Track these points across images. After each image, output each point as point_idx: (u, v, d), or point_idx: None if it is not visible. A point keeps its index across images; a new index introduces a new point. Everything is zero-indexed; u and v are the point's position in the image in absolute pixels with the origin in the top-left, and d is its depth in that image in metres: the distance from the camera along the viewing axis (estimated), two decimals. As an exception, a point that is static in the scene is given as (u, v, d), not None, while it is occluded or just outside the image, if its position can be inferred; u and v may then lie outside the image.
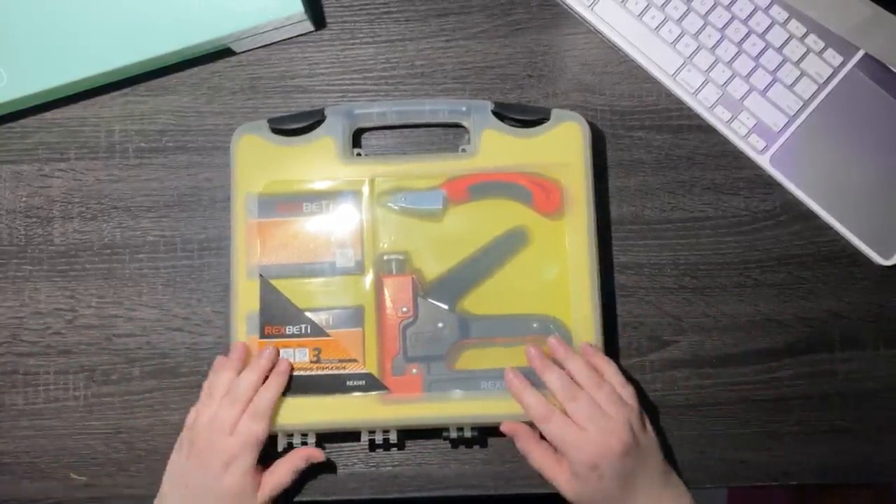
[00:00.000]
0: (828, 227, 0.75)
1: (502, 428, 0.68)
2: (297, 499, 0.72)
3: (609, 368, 0.67)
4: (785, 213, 0.75)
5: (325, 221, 0.72)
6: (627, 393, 0.67)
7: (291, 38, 0.78)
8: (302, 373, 0.69)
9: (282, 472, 0.68)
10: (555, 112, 0.73)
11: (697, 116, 0.76)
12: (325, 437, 0.71)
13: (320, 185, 0.72)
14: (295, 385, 0.69)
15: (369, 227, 0.71)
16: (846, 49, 0.75)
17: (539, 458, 0.67)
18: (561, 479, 0.66)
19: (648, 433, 0.67)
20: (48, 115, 0.77)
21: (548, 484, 0.71)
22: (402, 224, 0.71)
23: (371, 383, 0.69)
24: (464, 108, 0.74)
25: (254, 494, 0.66)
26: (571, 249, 0.70)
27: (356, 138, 0.75)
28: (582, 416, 0.65)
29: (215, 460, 0.66)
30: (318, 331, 0.70)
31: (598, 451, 0.64)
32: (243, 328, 0.70)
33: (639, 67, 0.77)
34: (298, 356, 0.70)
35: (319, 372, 0.69)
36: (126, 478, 0.73)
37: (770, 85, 0.75)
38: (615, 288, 0.74)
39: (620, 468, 0.64)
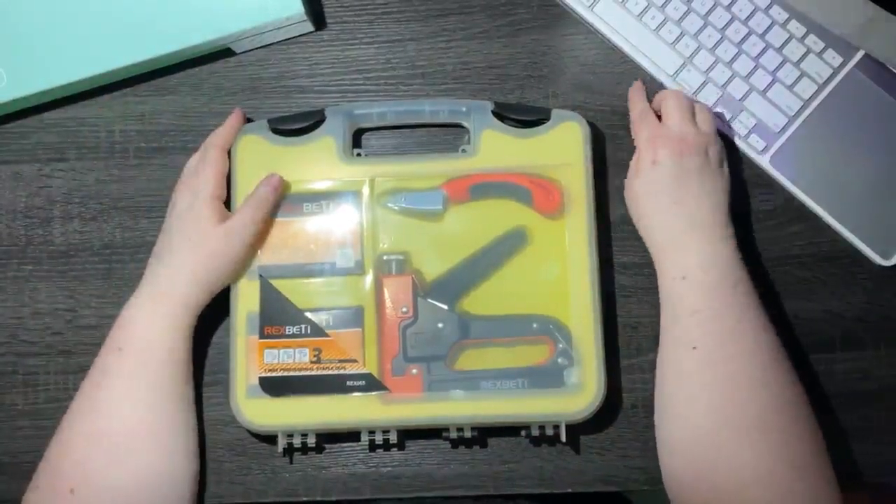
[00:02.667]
0: (828, 227, 0.75)
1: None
2: (297, 499, 0.72)
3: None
4: (785, 213, 0.75)
5: (324, 221, 0.72)
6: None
7: (291, 38, 0.78)
8: (302, 373, 0.69)
9: (245, 208, 0.70)
10: (555, 112, 0.73)
11: (697, 116, 0.76)
12: (325, 437, 0.71)
13: (320, 185, 0.72)
14: (295, 385, 0.69)
15: (369, 227, 0.71)
16: (846, 49, 0.75)
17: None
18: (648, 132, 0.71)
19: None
20: (48, 115, 0.77)
21: (547, 484, 0.71)
22: (401, 224, 0.71)
23: (371, 383, 0.69)
24: (464, 109, 0.74)
25: (212, 219, 0.68)
26: (571, 249, 0.70)
27: (356, 138, 0.75)
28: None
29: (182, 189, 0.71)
30: (317, 331, 0.70)
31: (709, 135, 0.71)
32: (243, 328, 0.70)
33: (639, 67, 0.77)
34: (298, 356, 0.70)
35: (319, 372, 0.69)
36: (126, 478, 0.73)
37: (770, 85, 0.75)
38: (615, 288, 0.74)
39: (712, 158, 0.70)
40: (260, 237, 0.70)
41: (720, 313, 0.66)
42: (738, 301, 0.66)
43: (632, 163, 0.72)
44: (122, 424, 0.66)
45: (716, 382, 0.65)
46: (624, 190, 0.72)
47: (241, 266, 0.70)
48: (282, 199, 0.72)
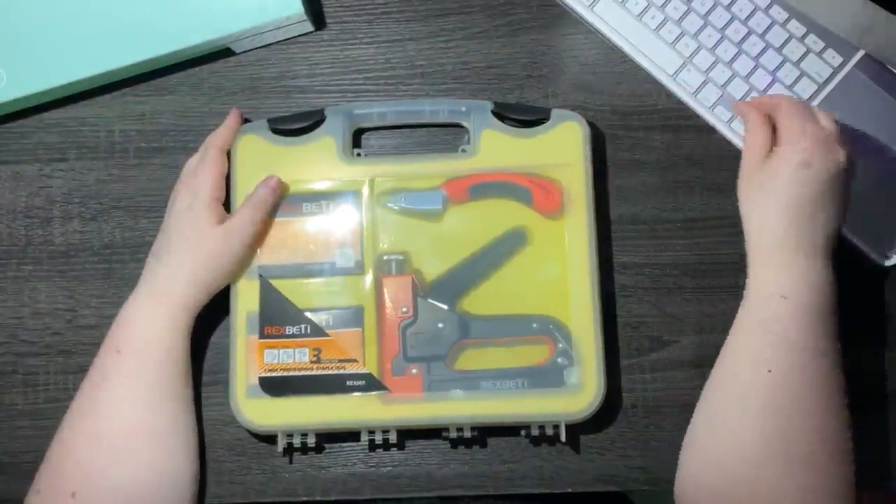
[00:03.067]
0: (828, 227, 0.75)
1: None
2: (297, 499, 0.72)
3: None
4: (785, 213, 0.75)
5: (324, 221, 0.72)
6: None
7: (291, 38, 0.78)
8: (302, 373, 0.69)
9: (243, 209, 0.70)
10: (555, 112, 0.73)
11: (697, 116, 0.76)
12: (325, 437, 0.71)
13: (320, 185, 0.72)
14: (295, 385, 0.69)
15: (369, 227, 0.71)
16: (846, 49, 0.75)
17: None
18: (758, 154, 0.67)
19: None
20: (48, 115, 0.77)
21: (547, 484, 0.71)
22: (401, 224, 0.71)
23: (371, 383, 0.69)
24: (464, 109, 0.74)
25: (210, 220, 0.68)
26: (571, 249, 0.70)
27: (356, 138, 0.75)
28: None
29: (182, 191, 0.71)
30: (317, 331, 0.70)
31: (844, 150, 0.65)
32: (243, 328, 0.70)
33: (639, 67, 0.77)
34: (298, 356, 0.70)
35: (319, 372, 0.69)
36: (126, 478, 0.73)
37: (770, 85, 0.75)
38: (615, 288, 0.74)
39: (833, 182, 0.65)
40: (258, 238, 0.70)
41: (808, 343, 0.63)
42: (828, 334, 0.64)
43: (753, 150, 0.67)
44: (122, 425, 0.66)
45: (778, 410, 0.62)
46: (741, 178, 0.68)
47: (240, 266, 0.70)
48: (281, 200, 0.72)
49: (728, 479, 0.63)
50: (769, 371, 0.63)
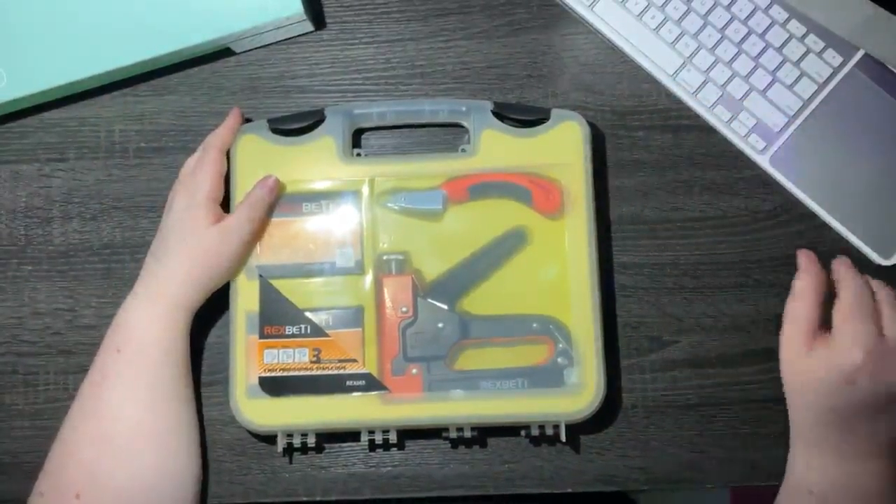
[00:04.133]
0: (828, 227, 0.75)
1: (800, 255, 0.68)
2: (297, 499, 0.72)
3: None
4: (785, 213, 0.75)
5: (324, 221, 0.72)
6: None
7: (291, 38, 0.78)
8: (301, 373, 0.69)
9: (241, 208, 0.70)
10: (554, 112, 0.73)
11: (697, 116, 0.76)
12: (325, 437, 0.71)
13: (320, 184, 0.72)
14: (295, 385, 0.69)
15: (369, 226, 0.71)
16: (846, 49, 0.75)
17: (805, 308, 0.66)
18: (799, 349, 0.65)
19: None
20: (48, 115, 0.77)
21: (547, 484, 0.71)
22: (401, 224, 0.71)
23: (371, 383, 0.69)
24: (463, 108, 0.74)
25: (208, 220, 0.68)
26: (571, 249, 0.70)
27: (356, 138, 0.75)
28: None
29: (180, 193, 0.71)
30: (317, 331, 0.70)
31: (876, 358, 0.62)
32: (243, 328, 0.70)
33: (639, 67, 0.77)
34: (298, 356, 0.70)
35: (319, 372, 0.69)
36: (126, 478, 0.73)
37: (770, 85, 0.75)
38: (615, 288, 0.74)
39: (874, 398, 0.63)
40: (255, 237, 0.70)
41: None
42: None
43: (794, 324, 0.67)
44: (124, 426, 0.66)
45: None
46: (782, 351, 0.68)
47: (237, 265, 0.70)
48: (279, 200, 0.72)
49: None
50: None
